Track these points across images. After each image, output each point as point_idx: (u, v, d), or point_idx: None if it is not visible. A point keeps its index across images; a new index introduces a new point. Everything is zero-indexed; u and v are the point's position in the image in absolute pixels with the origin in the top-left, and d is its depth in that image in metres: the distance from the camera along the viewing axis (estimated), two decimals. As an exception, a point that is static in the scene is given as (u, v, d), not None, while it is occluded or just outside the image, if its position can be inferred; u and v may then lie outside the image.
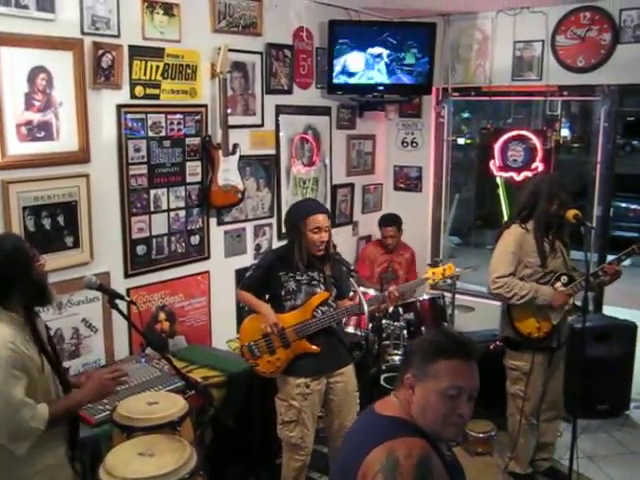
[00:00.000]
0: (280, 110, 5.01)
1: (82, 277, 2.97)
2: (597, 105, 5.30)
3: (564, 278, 3.88)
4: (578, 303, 4.00)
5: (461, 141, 8.61)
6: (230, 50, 4.33)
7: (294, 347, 3.58)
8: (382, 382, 4.51)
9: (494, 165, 5.58)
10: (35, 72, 3.44)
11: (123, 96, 3.90)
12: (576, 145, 10.16)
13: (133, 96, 3.95)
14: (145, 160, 4.07)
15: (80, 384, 2.80)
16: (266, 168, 4.95)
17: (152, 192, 4.13)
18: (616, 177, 5.60)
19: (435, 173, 6.11)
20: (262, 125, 4.86)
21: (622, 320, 5.16)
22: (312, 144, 5.36)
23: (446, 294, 5.03)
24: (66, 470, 2.67)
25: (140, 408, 2.99)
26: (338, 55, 5.22)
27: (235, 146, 4.45)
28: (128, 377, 2.92)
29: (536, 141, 5.41)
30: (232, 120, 4.45)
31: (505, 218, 5.51)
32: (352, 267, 3.64)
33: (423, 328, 4.78)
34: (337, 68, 5.25)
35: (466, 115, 9.38)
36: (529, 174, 5.34)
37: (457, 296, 5.16)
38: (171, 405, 3.03)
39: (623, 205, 10.74)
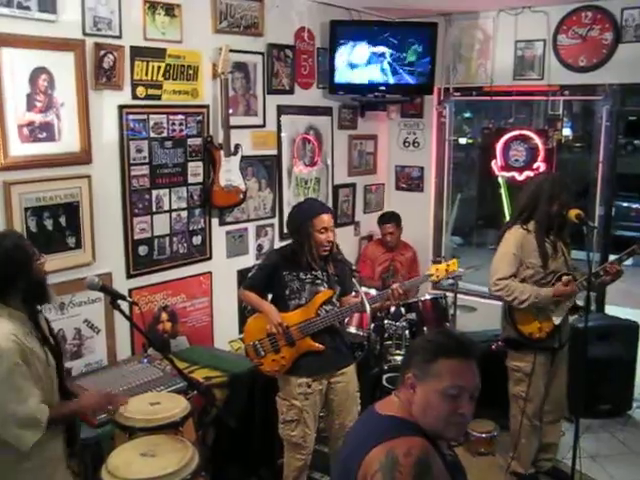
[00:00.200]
0: (282, 110, 5.01)
1: (84, 278, 2.99)
2: (599, 104, 5.29)
3: (565, 278, 3.87)
4: (580, 303, 4.00)
5: (463, 141, 8.60)
6: (231, 50, 4.33)
7: (299, 345, 3.58)
8: (384, 382, 4.51)
9: (496, 165, 5.57)
10: (37, 73, 3.44)
11: (125, 97, 3.90)
12: (578, 145, 10.14)
13: (135, 97, 3.95)
14: (147, 161, 4.07)
15: (79, 392, 2.84)
16: (268, 168, 4.95)
17: (154, 193, 4.14)
18: (618, 177, 5.59)
19: (437, 173, 6.10)
20: (264, 125, 4.86)
21: (624, 320, 5.15)
22: (314, 144, 5.36)
23: (448, 294, 5.03)
24: (65, 467, 2.68)
25: (142, 409, 2.99)
26: (339, 54, 5.22)
27: (237, 146, 4.45)
28: (126, 401, 2.96)
29: (538, 141, 5.40)
30: (234, 120, 4.45)
31: (507, 218, 5.50)
32: (354, 267, 3.64)
33: (425, 328, 4.77)
34: (340, 59, 5.24)
35: (467, 115, 9.36)
36: (531, 174, 5.33)
37: (459, 296, 5.16)
38: (173, 406, 3.03)
39: (625, 205, 10.73)
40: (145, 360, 3.91)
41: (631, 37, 4.89)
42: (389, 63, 5.33)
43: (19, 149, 3.40)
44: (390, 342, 4.79)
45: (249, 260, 4.86)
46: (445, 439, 1.93)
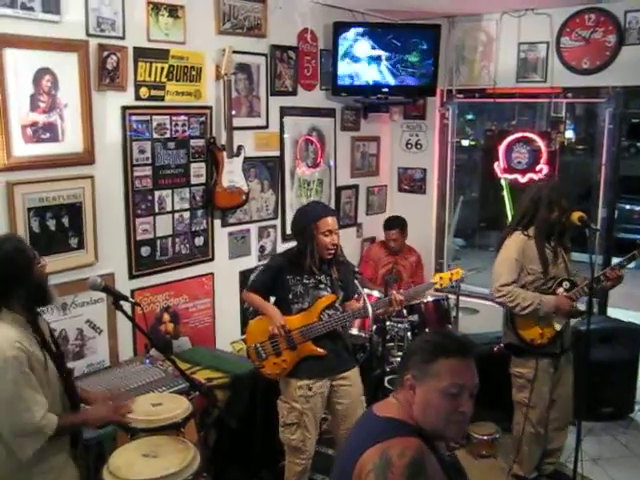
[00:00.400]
0: (284, 112, 5.01)
1: (87, 278, 2.99)
2: (602, 107, 5.28)
3: (566, 284, 3.87)
4: (582, 307, 3.99)
5: (465, 143, 8.60)
6: (235, 52, 4.34)
7: (300, 349, 3.57)
8: (386, 384, 4.51)
9: (498, 167, 5.56)
10: (40, 74, 3.45)
11: (128, 98, 3.91)
12: (580, 147, 10.13)
13: (138, 98, 3.96)
14: (150, 162, 4.08)
15: (88, 399, 2.84)
16: (270, 170, 4.96)
17: (156, 193, 4.14)
18: (621, 179, 5.58)
19: (439, 175, 6.09)
20: (266, 127, 4.86)
21: (627, 322, 5.15)
22: (316, 146, 5.37)
23: (450, 296, 5.02)
24: (70, 470, 2.68)
25: (144, 409, 2.99)
26: (342, 56, 5.22)
27: (239, 148, 4.46)
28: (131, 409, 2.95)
29: (541, 143, 5.39)
30: (236, 122, 4.46)
31: (509, 220, 5.49)
32: (356, 269, 3.64)
33: (427, 330, 4.77)
34: (340, 65, 5.25)
35: (470, 117, 9.36)
36: (534, 176, 5.34)
37: (461, 298, 5.15)
38: (175, 406, 3.03)
39: (628, 207, 10.72)
40: (147, 361, 3.91)
41: (634, 39, 4.88)
42: (392, 65, 5.33)
43: (22, 149, 3.41)
44: (392, 344, 4.78)
45: (251, 261, 4.86)
46: (446, 438, 1.94)
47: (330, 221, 3.54)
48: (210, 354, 4.29)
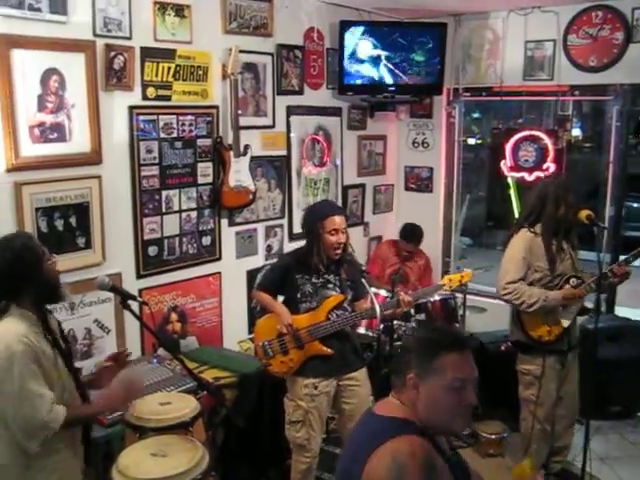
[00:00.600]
0: (291, 111, 5.02)
1: (94, 278, 2.99)
2: (609, 105, 5.27)
3: (573, 280, 3.85)
4: (589, 305, 3.98)
5: (472, 141, 8.58)
6: (241, 51, 4.34)
7: (307, 348, 3.58)
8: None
9: (505, 165, 5.55)
10: (48, 74, 3.46)
11: (135, 97, 3.92)
12: (587, 145, 10.10)
13: (145, 97, 3.96)
14: (157, 161, 4.08)
15: (95, 382, 2.83)
16: (277, 169, 4.96)
17: (164, 193, 4.15)
18: (628, 177, 5.56)
19: (446, 173, 6.08)
20: (273, 126, 4.87)
21: (634, 321, 5.13)
22: (323, 145, 5.36)
23: (458, 295, 5.02)
24: (76, 470, 2.69)
25: (152, 408, 3.01)
26: (348, 55, 5.22)
27: (246, 147, 4.46)
28: (143, 387, 2.94)
29: (548, 141, 5.37)
30: (243, 121, 4.46)
31: (516, 218, 5.48)
32: (363, 268, 3.64)
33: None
34: (346, 64, 5.24)
35: (476, 115, 9.35)
36: (541, 174, 5.32)
37: (468, 297, 5.15)
38: (183, 406, 3.04)
39: (635, 205, 10.66)
40: (155, 360, 3.92)
41: (642, 37, 4.87)
42: (398, 63, 5.33)
43: (30, 150, 3.42)
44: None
45: (258, 261, 4.87)
46: (453, 432, 1.99)
47: (337, 220, 3.54)
48: (217, 353, 4.30)
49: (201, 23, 4.20)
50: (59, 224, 3.61)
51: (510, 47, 5.43)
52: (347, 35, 5.19)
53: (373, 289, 3.77)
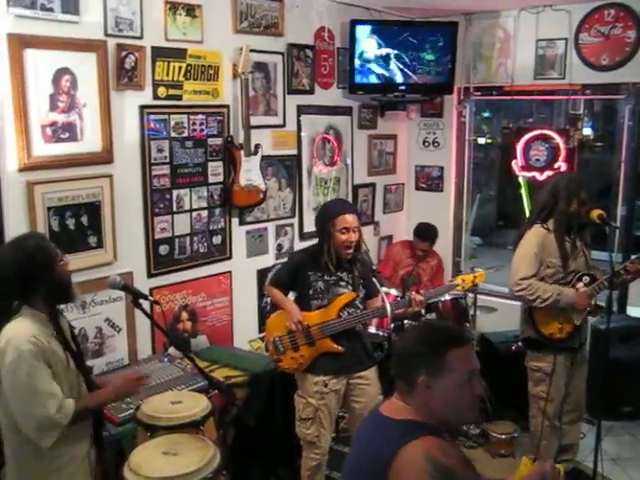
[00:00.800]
0: (302, 110, 5.02)
1: (105, 277, 3.01)
2: (621, 104, 5.24)
3: (586, 278, 3.84)
4: (601, 304, 3.97)
5: (482, 141, 8.55)
6: (252, 51, 4.34)
7: (318, 345, 3.59)
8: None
9: (516, 165, 5.53)
10: (60, 74, 3.47)
11: (146, 97, 3.93)
12: (599, 144, 10.04)
13: (156, 97, 3.97)
14: (168, 160, 4.09)
15: (103, 384, 2.84)
16: (288, 168, 4.96)
17: (174, 192, 4.16)
18: (640, 176, 5.53)
19: (457, 173, 6.06)
20: (284, 125, 4.87)
21: (646, 321, 5.09)
22: (333, 144, 5.36)
23: (468, 294, 5.00)
24: (86, 466, 2.70)
25: (164, 407, 3.01)
26: (359, 54, 5.21)
27: (257, 146, 4.46)
28: (148, 379, 2.96)
29: (559, 140, 5.35)
30: (254, 120, 4.46)
31: (528, 216, 5.47)
32: (374, 267, 3.64)
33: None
34: (357, 63, 5.23)
35: (487, 115, 9.30)
36: (552, 174, 5.30)
37: (479, 296, 5.13)
38: (194, 404, 3.05)
39: (647, 205, 10.60)
40: (166, 359, 3.93)
41: (655, 35, 4.84)
42: (409, 62, 5.31)
43: (42, 149, 3.43)
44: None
45: (269, 260, 4.87)
46: (467, 423, 2.03)
47: (349, 219, 3.53)
48: (228, 352, 4.30)
49: (212, 23, 4.20)
50: (71, 223, 3.62)
51: (521, 46, 5.41)
52: (358, 34, 5.18)
53: (384, 288, 3.77)
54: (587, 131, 9.07)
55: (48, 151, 3.46)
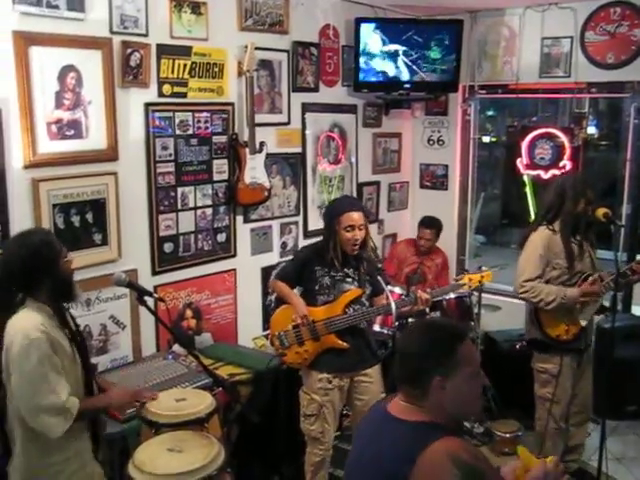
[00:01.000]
0: (306, 108, 5.01)
1: (110, 274, 3.02)
2: (627, 102, 5.22)
3: (592, 278, 3.83)
4: (606, 304, 3.96)
5: (486, 139, 8.55)
6: (257, 48, 4.33)
7: (323, 341, 3.60)
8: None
9: (521, 163, 5.52)
10: (65, 71, 3.47)
11: (151, 94, 3.93)
12: (604, 143, 10.03)
13: (161, 94, 3.97)
14: (172, 158, 4.09)
15: (107, 388, 2.87)
16: (292, 166, 4.96)
17: (179, 190, 4.16)
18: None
19: (461, 171, 6.06)
20: (288, 123, 4.86)
21: (651, 320, 5.08)
22: (338, 142, 5.36)
23: (473, 293, 4.99)
24: (92, 463, 2.71)
25: (168, 404, 3.01)
26: (364, 52, 5.21)
27: (262, 144, 4.46)
28: (150, 395, 3.00)
29: (564, 139, 5.34)
30: (259, 118, 4.46)
31: (532, 217, 5.46)
32: (379, 265, 3.64)
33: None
34: (362, 61, 5.22)
35: (491, 113, 9.31)
36: (557, 172, 5.29)
37: (484, 295, 5.12)
38: (199, 402, 3.04)
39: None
40: (170, 356, 3.94)
41: (661, 33, 4.82)
42: (414, 60, 5.31)
43: (47, 146, 3.43)
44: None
45: (273, 257, 4.87)
46: (475, 415, 2.03)
47: (354, 216, 3.54)
48: (232, 350, 4.30)
49: (217, 20, 4.20)
50: (76, 220, 3.62)
51: (526, 44, 5.40)
52: (363, 32, 5.17)
53: (388, 286, 3.77)
54: (591, 130, 9.06)
55: (53, 148, 3.46)
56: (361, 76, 5.27)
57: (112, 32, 3.65)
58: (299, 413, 3.73)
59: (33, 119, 3.35)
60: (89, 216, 3.68)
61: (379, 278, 3.58)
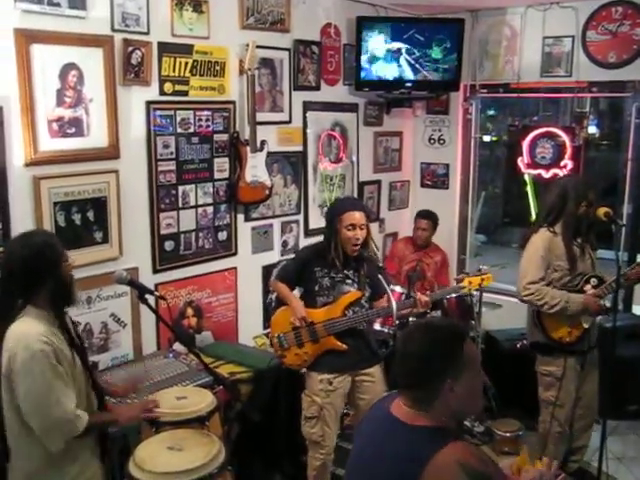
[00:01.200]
0: (307, 107, 5.01)
1: (111, 272, 3.02)
2: (628, 101, 5.21)
3: (594, 280, 3.82)
4: (608, 304, 3.95)
5: (487, 138, 8.54)
6: (258, 46, 4.33)
7: (322, 343, 3.59)
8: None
9: (522, 162, 5.51)
10: (66, 69, 3.46)
11: (152, 92, 3.92)
12: (604, 142, 10.03)
13: (162, 93, 3.97)
14: (174, 156, 4.09)
15: (113, 392, 2.87)
16: (293, 165, 4.96)
17: (180, 188, 4.15)
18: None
19: (462, 170, 6.06)
20: (290, 122, 4.86)
21: (652, 319, 5.08)
22: (339, 141, 5.36)
23: (473, 292, 4.98)
24: (95, 464, 2.70)
25: (169, 403, 3.01)
26: (365, 50, 5.20)
27: (263, 142, 4.46)
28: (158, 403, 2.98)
29: (565, 138, 5.34)
30: (260, 117, 4.46)
31: (533, 216, 5.46)
32: (381, 264, 3.63)
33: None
34: (363, 59, 5.23)
35: (491, 112, 9.31)
36: (558, 171, 5.29)
37: (484, 294, 5.11)
38: (200, 400, 3.05)
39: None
40: (171, 355, 3.94)
41: (663, 33, 4.82)
42: (415, 59, 5.30)
43: (49, 144, 3.43)
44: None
45: (274, 256, 4.87)
46: (476, 414, 2.03)
47: (356, 216, 3.53)
48: (233, 348, 4.30)
49: (218, 18, 4.20)
50: (77, 218, 3.61)
51: (528, 43, 5.40)
52: (364, 31, 5.17)
53: (390, 286, 3.76)
54: (592, 129, 9.06)
55: (54, 146, 3.46)
56: (362, 75, 5.27)
57: (113, 30, 3.64)
58: (300, 411, 3.72)
59: (34, 117, 3.34)
60: (90, 214, 3.67)
61: (380, 277, 3.57)
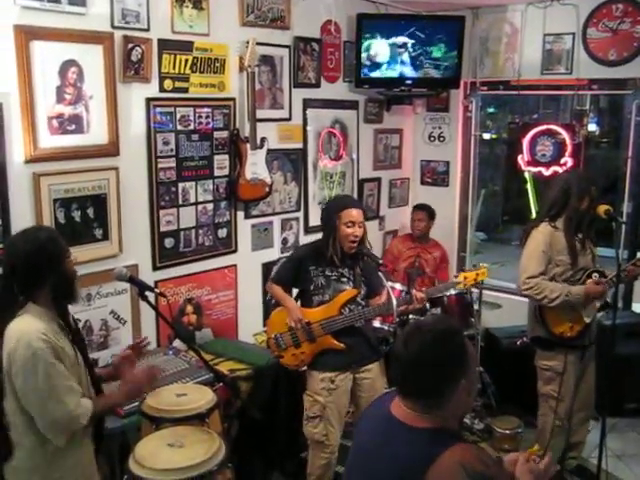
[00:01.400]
0: (308, 104, 5.00)
1: (111, 269, 3.01)
2: (629, 99, 5.21)
3: (595, 275, 3.82)
4: (609, 300, 3.95)
5: (487, 136, 8.55)
6: (258, 44, 4.33)
7: (319, 342, 3.58)
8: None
9: (522, 160, 5.51)
10: (66, 66, 3.46)
11: (152, 89, 3.92)
12: (604, 140, 10.04)
13: (162, 89, 3.96)
14: (174, 153, 4.09)
15: (111, 374, 2.84)
16: (293, 162, 4.95)
17: (180, 185, 4.15)
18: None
19: (462, 168, 6.06)
20: (290, 119, 4.86)
21: (652, 317, 5.08)
22: (339, 138, 5.35)
23: (473, 289, 4.99)
24: (93, 461, 2.70)
25: (169, 400, 3.01)
26: (365, 48, 5.20)
27: (263, 140, 4.46)
28: (161, 373, 2.95)
29: (565, 135, 5.33)
30: (260, 114, 4.46)
31: (533, 213, 5.46)
32: (380, 261, 3.62)
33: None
34: (363, 57, 5.22)
35: (491, 110, 9.31)
36: (558, 169, 5.28)
37: (484, 292, 5.11)
38: (200, 397, 3.05)
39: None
40: (170, 352, 3.93)
41: (663, 30, 4.81)
42: (415, 57, 5.30)
43: (48, 141, 3.43)
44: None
45: (274, 253, 4.87)
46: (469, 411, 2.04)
47: (354, 213, 3.53)
48: (233, 345, 4.31)
49: (218, 15, 4.19)
50: (77, 215, 3.62)
51: (528, 40, 5.39)
52: (364, 28, 5.16)
53: (389, 283, 3.76)
54: (592, 127, 9.06)
55: (54, 143, 3.46)
56: (363, 72, 5.26)
57: (113, 27, 3.64)
58: (300, 409, 3.71)
59: (34, 114, 3.34)
60: (90, 211, 3.67)
61: (379, 274, 3.56)
